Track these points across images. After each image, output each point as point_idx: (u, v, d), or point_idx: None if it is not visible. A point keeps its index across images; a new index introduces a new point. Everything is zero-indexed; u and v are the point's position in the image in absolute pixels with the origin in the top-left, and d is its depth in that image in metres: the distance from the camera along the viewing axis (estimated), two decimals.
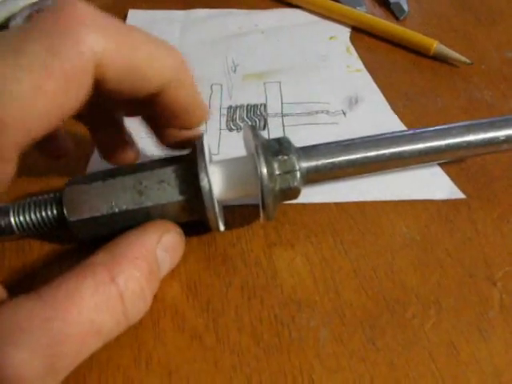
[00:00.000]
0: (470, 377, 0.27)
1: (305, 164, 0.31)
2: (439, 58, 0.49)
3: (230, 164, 0.31)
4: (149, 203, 0.30)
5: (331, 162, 0.31)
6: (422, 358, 0.28)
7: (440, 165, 0.38)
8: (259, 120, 0.43)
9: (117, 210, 0.29)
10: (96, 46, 0.21)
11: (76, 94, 0.22)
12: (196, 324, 0.30)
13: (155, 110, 0.27)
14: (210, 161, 0.31)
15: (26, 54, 0.20)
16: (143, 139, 0.37)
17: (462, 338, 0.29)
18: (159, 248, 0.28)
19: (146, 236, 0.28)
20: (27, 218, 0.31)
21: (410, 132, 0.34)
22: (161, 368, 0.28)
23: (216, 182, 0.30)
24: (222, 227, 0.31)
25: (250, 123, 0.43)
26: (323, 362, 0.28)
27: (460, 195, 0.37)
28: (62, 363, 0.22)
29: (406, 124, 0.42)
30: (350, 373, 0.28)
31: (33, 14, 0.53)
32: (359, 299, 0.31)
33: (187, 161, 0.30)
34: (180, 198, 0.30)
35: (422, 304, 0.30)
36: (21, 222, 0.31)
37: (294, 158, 0.30)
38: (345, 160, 0.31)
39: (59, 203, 0.30)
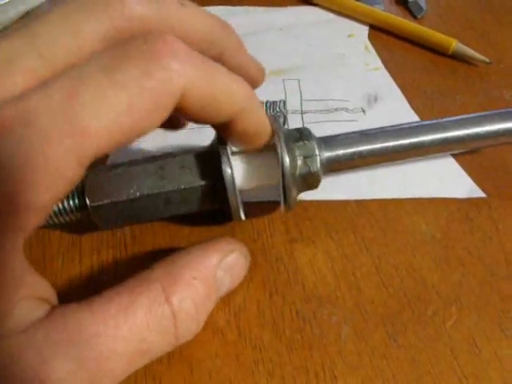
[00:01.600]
0: (491, 374, 0.27)
1: (325, 153, 0.31)
2: (458, 57, 0.49)
3: (251, 152, 0.31)
4: (170, 187, 0.30)
5: (351, 151, 0.32)
6: (443, 355, 0.28)
7: (460, 163, 0.38)
8: (279, 117, 0.43)
9: (138, 194, 0.30)
10: (183, 75, 0.22)
11: (159, 116, 0.22)
12: (218, 319, 0.30)
13: (221, 130, 0.28)
14: (231, 150, 0.31)
15: (122, 72, 0.21)
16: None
17: (483, 335, 0.29)
18: (220, 268, 0.27)
19: (207, 255, 0.27)
20: None
21: (429, 122, 0.34)
22: (183, 363, 0.28)
23: (237, 169, 0.30)
24: (243, 216, 0.31)
25: None
26: (345, 358, 0.28)
27: (480, 194, 0.36)
28: (106, 379, 0.22)
29: None
30: (371, 369, 0.28)
31: None
32: (380, 296, 0.31)
33: (209, 148, 0.31)
34: (201, 182, 0.30)
35: (443, 301, 0.30)
36: None
37: (314, 143, 0.31)
38: (365, 149, 0.32)
39: (81, 193, 0.30)
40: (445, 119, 0.34)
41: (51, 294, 0.24)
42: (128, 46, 0.22)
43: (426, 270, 0.32)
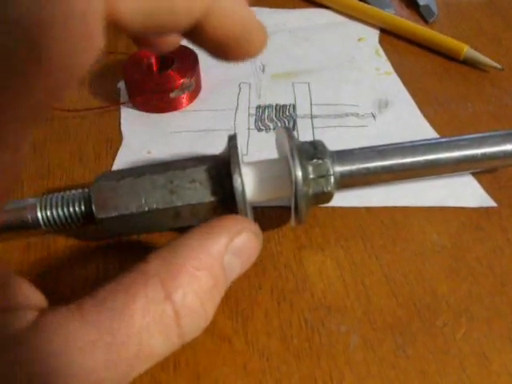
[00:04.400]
0: None
1: (339, 168, 0.31)
2: (469, 63, 0.49)
3: (262, 165, 0.31)
4: (179, 203, 0.29)
5: (365, 168, 0.31)
6: (452, 367, 0.28)
7: (472, 173, 0.38)
8: (288, 121, 0.43)
9: (147, 208, 0.29)
10: None
11: None
12: (225, 327, 0.29)
13: (197, 40, 0.22)
14: (242, 161, 0.31)
15: None
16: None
17: (493, 348, 0.28)
18: (228, 252, 0.24)
19: (212, 240, 0.24)
20: (54, 213, 0.30)
21: (446, 140, 0.33)
22: (189, 371, 0.28)
23: (249, 183, 0.30)
24: None
25: (279, 124, 0.42)
26: (353, 368, 0.28)
27: (491, 203, 0.36)
28: None
29: (435, 129, 0.42)
30: (380, 380, 0.27)
31: None
32: (390, 305, 0.30)
33: (220, 161, 0.30)
34: (211, 198, 0.29)
35: (452, 312, 0.30)
36: (47, 217, 0.30)
37: (328, 162, 0.30)
38: (379, 166, 0.31)
39: (88, 200, 0.30)
40: (462, 137, 0.33)
41: (41, 301, 0.22)
42: None
43: (436, 280, 0.32)
